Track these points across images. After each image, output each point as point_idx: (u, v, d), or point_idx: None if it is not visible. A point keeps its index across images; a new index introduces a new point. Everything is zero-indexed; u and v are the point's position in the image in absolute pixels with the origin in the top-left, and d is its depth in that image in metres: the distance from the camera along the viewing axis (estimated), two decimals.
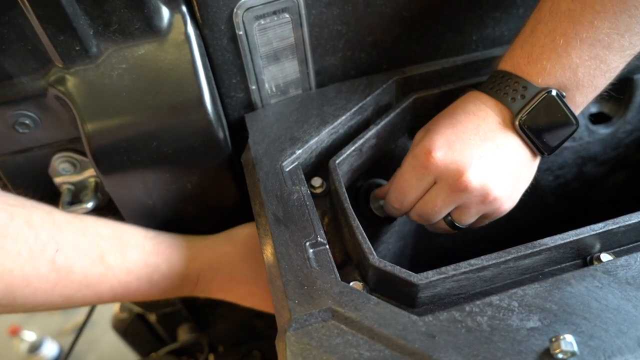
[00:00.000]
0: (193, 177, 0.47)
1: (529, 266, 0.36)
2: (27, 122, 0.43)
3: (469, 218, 0.42)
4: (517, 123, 0.39)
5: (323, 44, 0.47)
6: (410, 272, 0.34)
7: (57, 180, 0.49)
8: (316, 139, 0.45)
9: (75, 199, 0.50)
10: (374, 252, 0.35)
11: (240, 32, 0.43)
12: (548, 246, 0.35)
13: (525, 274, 0.37)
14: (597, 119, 0.59)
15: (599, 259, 0.36)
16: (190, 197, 0.49)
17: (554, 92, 0.38)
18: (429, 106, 0.50)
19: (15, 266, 0.38)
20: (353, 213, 0.38)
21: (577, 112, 0.39)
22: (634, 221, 0.36)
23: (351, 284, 0.36)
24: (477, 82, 0.48)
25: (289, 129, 0.46)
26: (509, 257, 0.34)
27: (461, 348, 0.29)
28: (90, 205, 0.49)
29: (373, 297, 0.32)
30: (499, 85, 0.40)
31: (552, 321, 0.30)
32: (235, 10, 0.42)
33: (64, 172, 0.49)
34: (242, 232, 0.51)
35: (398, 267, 0.34)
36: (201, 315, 0.71)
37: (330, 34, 0.47)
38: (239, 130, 0.49)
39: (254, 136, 0.46)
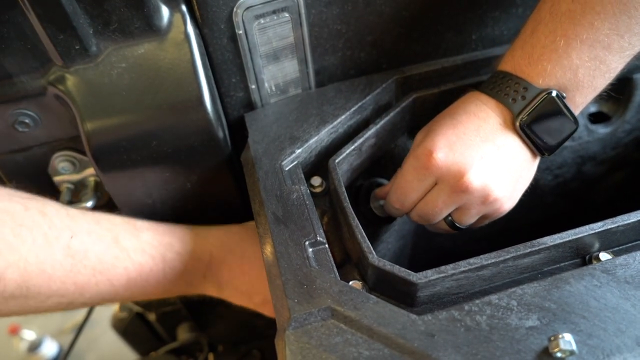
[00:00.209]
0: (193, 177, 0.47)
1: (528, 265, 0.36)
2: (26, 121, 0.43)
3: (469, 218, 0.42)
4: (517, 124, 0.39)
5: (323, 44, 0.47)
6: (410, 271, 0.34)
7: (57, 179, 0.49)
8: (316, 138, 0.45)
9: (74, 198, 0.50)
10: (373, 252, 0.35)
11: (240, 32, 0.43)
12: (547, 245, 0.35)
13: (524, 273, 0.37)
14: (596, 118, 0.59)
15: (597, 258, 0.36)
16: (190, 197, 0.49)
17: (554, 93, 0.38)
18: (429, 106, 0.50)
19: (30, 254, 0.38)
20: (352, 212, 0.38)
21: (576, 113, 0.40)
22: (632, 220, 0.36)
23: (350, 283, 0.36)
24: (477, 82, 0.48)
25: (289, 128, 0.46)
26: (508, 256, 0.34)
27: (460, 347, 0.29)
28: (89, 204, 0.49)
29: (372, 296, 0.32)
30: (499, 85, 0.40)
31: (551, 320, 0.30)
32: (235, 9, 0.42)
33: (64, 171, 0.49)
34: (251, 222, 0.52)
35: (397, 266, 0.34)
36: (201, 315, 0.71)
37: (330, 33, 0.47)
38: (238, 130, 0.49)
39: (254, 135, 0.46)
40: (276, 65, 0.47)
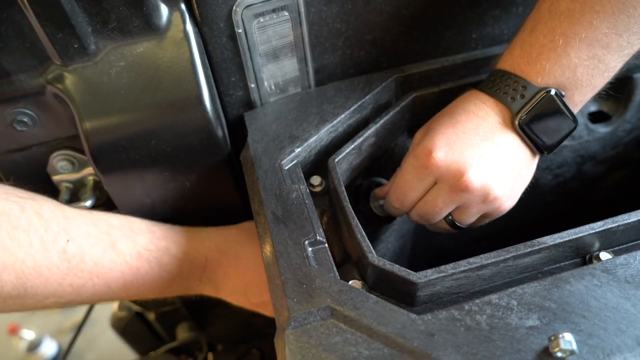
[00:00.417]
0: (192, 176, 0.47)
1: (528, 265, 0.36)
2: (25, 120, 0.43)
3: (469, 218, 0.42)
4: (516, 122, 0.39)
5: (322, 42, 0.47)
6: (410, 271, 0.34)
7: (56, 178, 0.49)
8: (315, 137, 0.45)
9: (73, 197, 0.50)
10: (373, 251, 0.35)
11: (240, 30, 0.43)
12: (547, 245, 0.35)
13: (524, 272, 0.37)
14: (596, 117, 0.59)
15: (598, 258, 0.36)
16: (189, 196, 0.49)
17: (553, 92, 0.38)
18: (429, 105, 0.50)
19: (27, 257, 0.38)
20: (352, 212, 0.38)
21: (575, 111, 0.40)
22: (633, 220, 0.36)
23: (350, 282, 0.36)
24: (477, 81, 0.48)
25: (288, 128, 0.46)
26: (508, 256, 0.34)
27: (460, 347, 0.29)
28: (88, 203, 0.49)
29: (372, 295, 0.32)
30: (498, 84, 0.40)
31: (551, 320, 0.30)
32: (234, 8, 0.42)
33: (63, 170, 0.49)
34: (247, 222, 0.52)
35: (397, 265, 0.34)
36: (200, 314, 0.71)
37: (329, 32, 0.47)
38: (238, 129, 0.49)
39: (253, 134, 0.46)
40: (276, 64, 0.47)
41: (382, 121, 0.46)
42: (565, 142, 0.57)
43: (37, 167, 0.48)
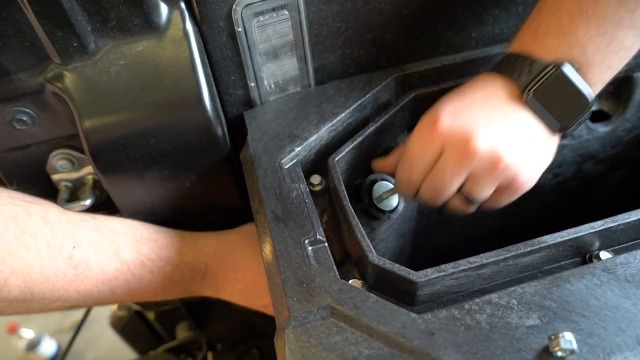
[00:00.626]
0: (192, 175, 0.47)
1: (528, 264, 0.36)
2: (24, 118, 0.43)
3: (482, 189, 0.40)
4: (525, 97, 0.38)
5: (322, 41, 0.47)
6: (410, 270, 0.34)
7: (55, 177, 0.49)
8: (315, 136, 0.44)
9: (73, 197, 0.50)
10: (373, 250, 0.35)
11: (239, 29, 0.43)
12: (547, 244, 0.35)
13: (524, 271, 0.37)
14: (596, 117, 0.59)
15: (598, 257, 0.36)
16: (188, 195, 0.49)
17: (564, 67, 0.37)
18: (429, 104, 0.50)
19: (34, 262, 0.38)
20: (352, 211, 0.38)
21: (592, 92, 0.38)
22: (633, 219, 0.36)
23: (350, 281, 0.36)
24: None
25: (288, 127, 0.46)
26: (508, 255, 0.34)
27: (460, 346, 0.29)
28: (88, 202, 0.49)
29: (372, 294, 0.32)
30: (506, 65, 0.40)
31: (551, 319, 0.30)
32: (234, 6, 0.42)
33: (62, 169, 0.49)
34: (246, 225, 0.52)
35: (397, 264, 0.34)
36: (200, 314, 0.71)
37: (329, 31, 0.46)
38: (237, 128, 0.49)
39: (253, 133, 0.46)
40: (275, 63, 0.47)
41: (382, 120, 0.46)
42: (565, 142, 0.57)
43: (37, 166, 0.48)
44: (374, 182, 0.49)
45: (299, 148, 0.43)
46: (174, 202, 0.49)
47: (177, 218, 0.51)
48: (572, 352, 0.28)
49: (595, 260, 0.36)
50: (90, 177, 0.50)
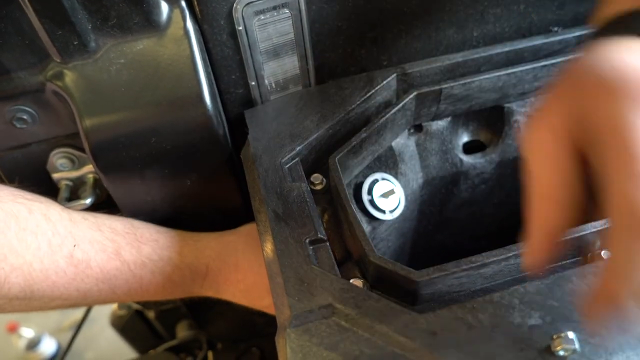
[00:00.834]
0: (192, 174, 0.47)
1: None
2: (24, 117, 0.43)
3: None
4: None
5: (323, 40, 0.47)
6: (411, 269, 0.34)
7: (55, 176, 0.49)
8: (316, 135, 0.44)
9: (73, 195, 0.50)
10: (374, 249, 0.35)
11: (240, 28, 0.43)
12: None
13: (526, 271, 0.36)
14: None
15: (600, 256, 0.36)
16: (189, 194, 0.49)
17: None
18: (430, 103, 0.50)
19: (34, 260, 0.38)
20: (353, 210, 0.38)
21: None
22: None
23: (351, 281, 0.36)
24: (481, 80, 0.48)
25: (289, 126, 0.45)
26: (510, 254, 0.34)
27: (462, 345, 0.29)
28: (88, 201, 0.49)
29: (373, 294, 0.32)
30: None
31: (554, 318, 0.30)
32: (234, 5, 0.42)
33: (62, 168, 0.49)
34: (246, 226, 0.52)
35: (399, 264, 0.34)
36: (200, 312, 0.71)
37: (330, 30, 0.46)
38: (238, 127, 0.49)
39: (254, 132, 0.45)
40: (276, 62, 0.47)
41: (383, 119, 0.46)
42: None
43: (37, 165, 0.48)
44: (375, 181, 0.49)
45: (299, 147, 0.43)
46: (174, 201, 0.49)
47: (178, 217, 0.51)
48: (574, 351, 0.28)
49: (597, 260, 0.36)
50: (90, 175, 0.50)
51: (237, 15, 0.42)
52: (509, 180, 0.56)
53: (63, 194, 0.49)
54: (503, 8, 0.50)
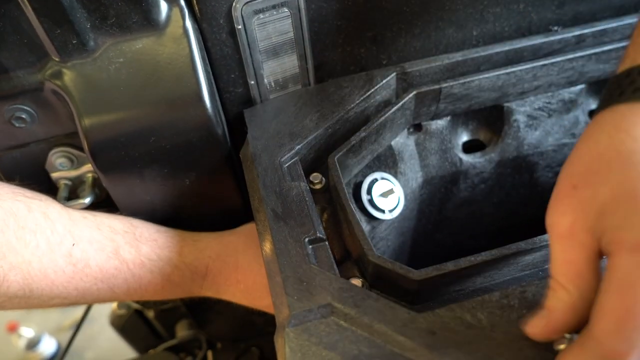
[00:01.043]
0: (191, 173, 0.47)
1: (529, 262, 0.36)
2: (23, 116, 0.43)
3: None
4: None
5: (322, 39, 0.47)
6: (410, 268, 0.33)
7: (54, 175, 0.49)
8: (315, 134, 0.44)
9: (72, 195, 0.50)
10: (373, 249, 0.35)
11: (239, 27, 0.43)
12: (548, 242, 0.35)
13: (525, 270, 0.36)
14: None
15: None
16: (188, 193, 0.49)
17: None
18: (430, 102, 0.50)
19: (33, 258, 0.38)
20: (352, 209, 0.38)
21: None
22: None
23: (350, 280, 0.36)
24: (482, 78, 0.48)
25: (288, 125, 0.45)
26: (509, 254, 0.34)
27: (461, 344, 0.29)
28: (87, 200, 0.48)
29: (372, 293, 0.32)
30: None
31: None
32: (234, 4, 0.42)
33: (61, 167, 0.48)
34: (246, 226, 0.52)
35: (398, 263, 0.34)
36: (199, 312, 0.71)
37: (329, 28, 0.46)
38: (237, 126, 0.49)
39: (253, 132, 0.45)
40: (275, 61, 0.47)
41: (382, 118, 0.46)
42: (566, 140, 0.57)
43: (36, 164, 0.48)
44: (375, 180, 0.49)
45: (299, 146, 0.43)
46: (173, 201, 0.49)
47: (177, 217, 0.51)
48: None
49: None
50: (89, 175, 0.50)
51: (236, 14, 0.42)
52: (509, 179, 0.56)
53: (62, 193, 0.49)
54: (503, 7, 0.50)
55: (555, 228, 0.27)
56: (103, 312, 0.98)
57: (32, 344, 1.64)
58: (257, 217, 0.39)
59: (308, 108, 0.47)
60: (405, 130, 0.52)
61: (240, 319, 0.70)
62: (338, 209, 0.41)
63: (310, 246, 0.36)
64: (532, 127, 0.54)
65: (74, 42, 0.39)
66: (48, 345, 1.67)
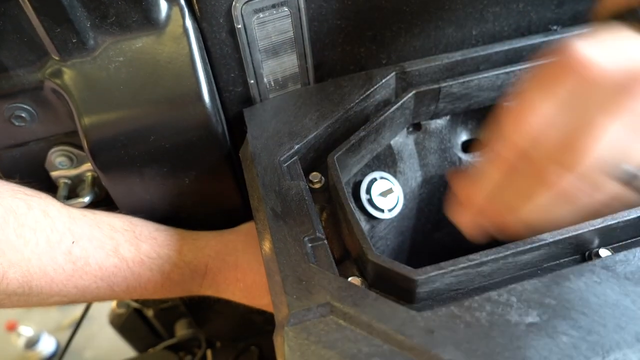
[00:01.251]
0: (191, 172, 0.47)
1: (527, 261, 0.36)
2: (23, 115, 0.43)
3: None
4: None
5: (322, 39, 0.47)
6: (409, 267, 0.34)
7: (54, 174, 0.49)
8: (315, 133, 0.44)
9: (72, 194, 0.50)
10: (372, 248, 0.35)
11: (239, 26, 0.43)
12: (547, 241, 0.35)
13: (524, 269, 0.37)
14: None
15: (597, 255, 0.36)
16: (188, 193, 0.49)
17: None
18: (429, 101, 0.50)
19: (32, 256, 0.38)
20: (352, 208, 0.38)
21: None
22: (632, 217, 0.36)
23: (349, 279, 0.36)
24: (480, 78, 0.48)
25: (288, 124, 0.45)
26: (508, 253, 0.34)
27: (460, 343, 0.29)
28: (87, 199, 0.49)
29: (371, 292, 0.32)
30: None
31: (551, 316, 0.30)
32: (234, 3, 0.42)
33: (61, 166, 0.49)
34: (246, 225, 0.52)
35: (397, 262, 0.34)
36: (199, 311, 0.71)
37: (329, 28, 0.46)
38: (237, 125, 0.49)
39: (253, 131, 0.45)
40: (275, 60, 0.47)
41: (382, 118, 0.46)
42: None
43: (36, 163, 0.48)
44: (374, 180, 0.49)
45: (298, 145, 0.43)
46: (173, 200, 0.49)
47: (177, 216, 0.51)
48: None
49: (594, 258, 0.36)
50: (89, 174, 0.50)
51: (236, 13, 0.42)
52: None
53: (61, 192, 0.49)
54: (502, 7, 0.50)
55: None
56: (102, 311, 0.98)
57: (31, 343, 1.64)
58: (257, 216, 0.39)
59: (307, 107, 0.47)
60: (405, 129, 0.52)
61: (239, 318, 0.70)
62: (337, 208, 0.41)
63: (310, 245, 0.36)
64: None
65: (73, 41, 0.39)
66: (47, 344, 1.67)
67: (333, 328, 0.30)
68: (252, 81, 0.47)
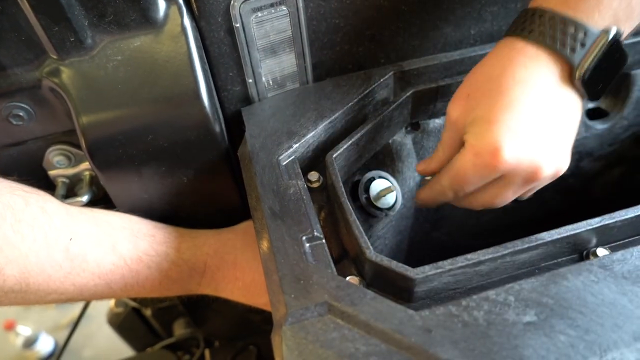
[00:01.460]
0: (189, 171, 0.47)
1: (525, 261, 0.36)
2: (21, 114, 0.43)
3: (527, 194, 0.40)
4: (578, 78, 0.33)
5: (320, 38, 0.47)
6: (407, 267, 0.34)
7: (52, 173, 0.49)
8: (313, 133, 0.44)
9: (70, 193, 0.50)
10: (370, 247, 0.35)
11: (237, 25, 0.43)
12: (545, 241, 0.35)
13: (521, 268, 0.37)
14: (594, 114, 0.59)
15: (595, 254, 0.36)
16: (186, 192, 0.49)
17: (612, 33, 0.32)
18: (428, 100, 0.50)
19: (30, 252, 0.38)
20: (350, 207, 0.38)
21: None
22: (630, 216, 0.36)
23: (347, 278, 0.36)
24: None
25: (286, 123, 0.45)
26: (506, 252, 0.34)
27: (457, 342, 0.29)
28: (85, 198, 0.48)
29: (369, 291, 0.32)
30: (543, 30, 0.32)
31: (548, 315, 0.30)
32: (232, 2, 0.42)
33: (59, 165, 0.48)
34: (244, 223, 0.52)
35: (395, 261, 0.34)
36: (197, 310, 0.71)
37: (327, 27, 0.46)
38: (235, 124, 0.49)
39: (251, 130, 0.45)
40: (273, 59, 0.47)
41: (380, 117, 0.46)
42: None
43: (33, 162, 0.48)
44: (372, 179, 0.49)
45: (296, 145, 0.43)
46: (171, 199, 0.49)
47: (175, 215, 0.51)
48: None
49: (592, 257, 0.36)
50: (87, 173, 0.50)
51: (234, 12, 0.42)
52: None
53: (59, 191, 0.49)
54: (500, 6, 0.50)
55: (449, 116, 0.39)
56: (100, 310, 0.98)
57: (29, 343, 1.64)
58: (255, 215, 0.39)
59: (306, 106, 0.47)
60: (403, 129, 0.52)
61: (237, 317, 0.70)
62: (335, 207, 0.41)
63: (308, 244, 0.36)
64: None
65: (71, 39, 0.39)
66: (45, 344, 1.67)
67: (331, 327, 0.30)
68: (250, 80, 0.47)
